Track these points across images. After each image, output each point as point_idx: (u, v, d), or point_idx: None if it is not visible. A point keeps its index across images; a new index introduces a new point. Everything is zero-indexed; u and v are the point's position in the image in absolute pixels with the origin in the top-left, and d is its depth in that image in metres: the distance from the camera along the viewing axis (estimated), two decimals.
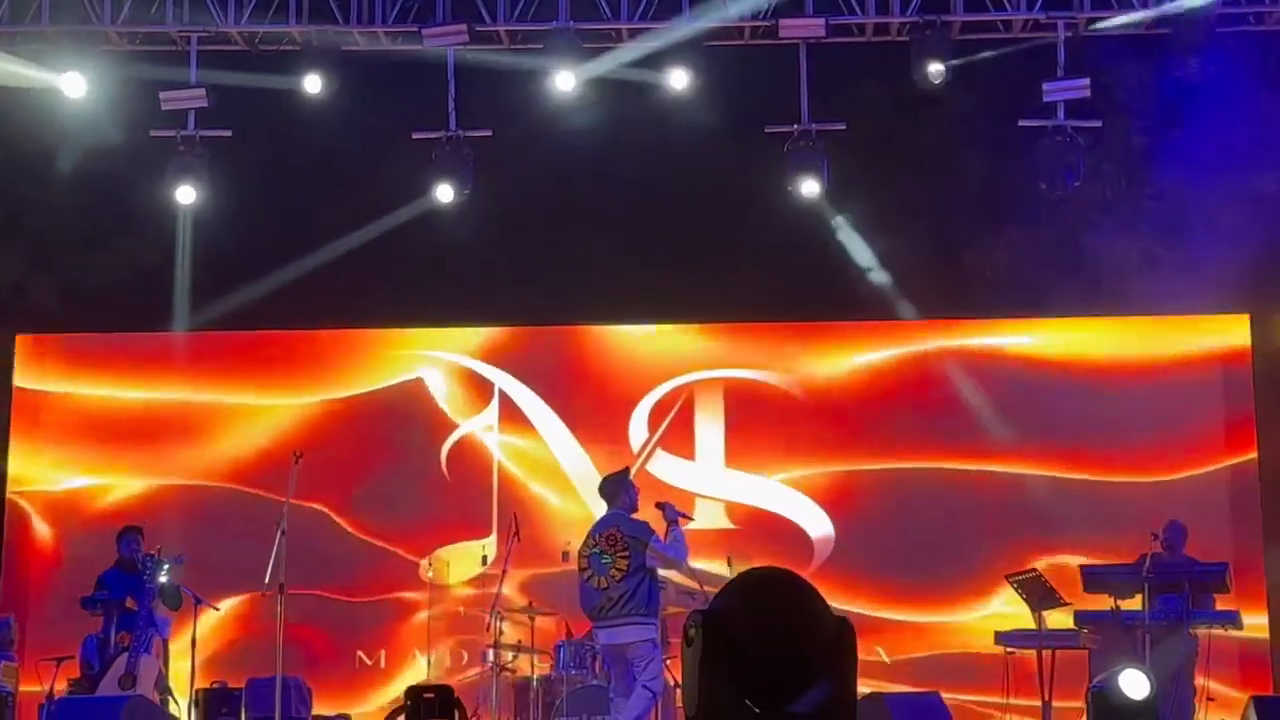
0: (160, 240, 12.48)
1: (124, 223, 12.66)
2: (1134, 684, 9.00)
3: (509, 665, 11.08)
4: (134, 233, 12.65)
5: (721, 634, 4.98)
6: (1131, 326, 12.81)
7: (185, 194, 11.43)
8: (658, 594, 9.67)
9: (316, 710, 11.29)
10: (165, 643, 10.73)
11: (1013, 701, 10.26)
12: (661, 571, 9.92)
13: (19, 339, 12.98)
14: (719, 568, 11.00)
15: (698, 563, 10.92)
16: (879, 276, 12.47)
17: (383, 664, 12.38)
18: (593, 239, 12.38)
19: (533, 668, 10.95)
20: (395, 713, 6.42)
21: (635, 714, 9.57)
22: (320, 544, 12.17)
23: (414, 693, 6.33)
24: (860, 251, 12.43)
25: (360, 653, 12.38)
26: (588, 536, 9.75)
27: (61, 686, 10.73)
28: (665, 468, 12.64)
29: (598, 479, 12.46)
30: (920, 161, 12.43)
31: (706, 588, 10.51)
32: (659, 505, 9.83)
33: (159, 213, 12.03)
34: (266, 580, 9.62)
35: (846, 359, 12.78)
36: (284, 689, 10.21)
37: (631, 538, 9.62)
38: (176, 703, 10.71)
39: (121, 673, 10.21)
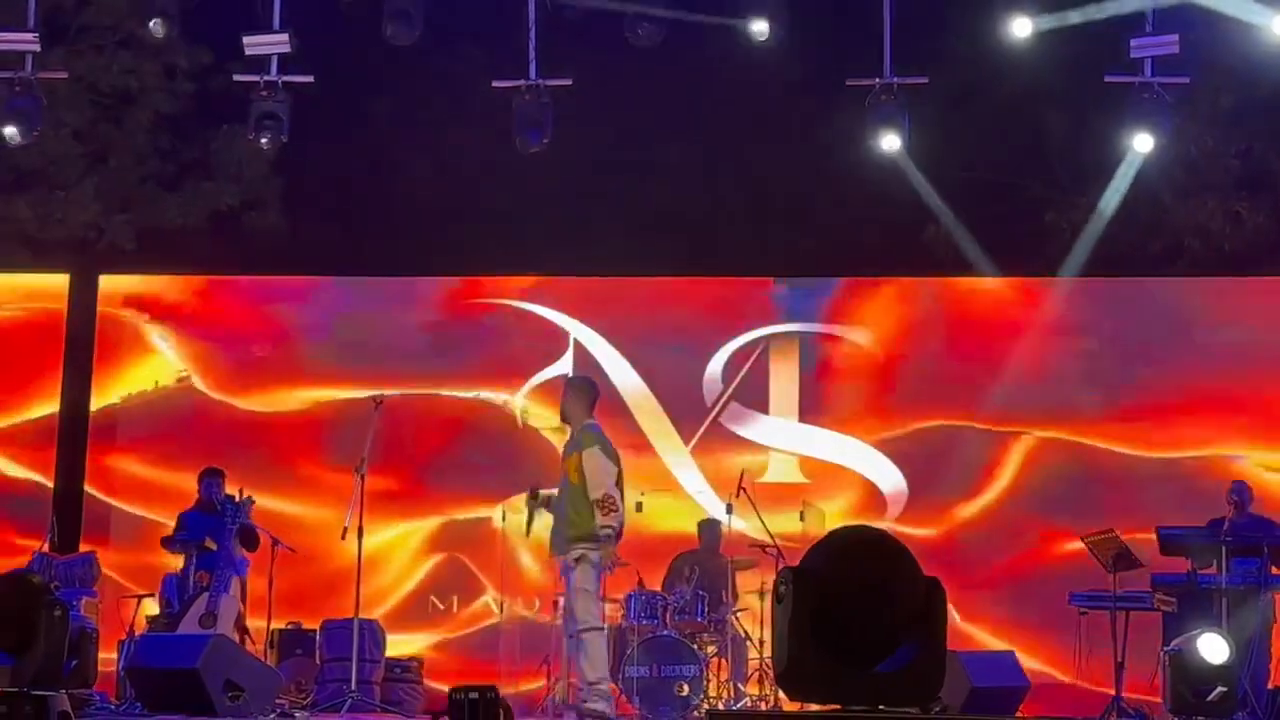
0: (241, 184, 12.59)
1: (205, 166, 12.78)
2: (1213, 648, 8.96)
3: None
4: (215, 176, 12.77)
5: (812, 592, 5.02)
6: (1214, 288, 12.67)
7: (267, 139, 11.49)
8: None
9: (389, 653, 11.45)
10: (243, 582, 10.87)
11: (1085, 663, 10.23)
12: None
13: (102, 279, 13.14)
14: (792, 522, 11.00)
15: (769, 516, 10.94)
16: (959, 233, 12.38)
17: (454, 609, 12.52)
18: (671, 190, 12.36)
19: (603, 617, 11.01)
20: (437, 715, 6.36)
21: None
22: (395, 488, 12.28)
23: (457, 694, 6.22)
24: (940, 207, 12.35)
25: (433, 598, 12.51)
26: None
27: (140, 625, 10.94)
28: (739, 421, 12.67)
29: (672, 430, 12.59)
30: (1004, 117, 12.32)
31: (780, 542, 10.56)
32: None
33: (240, 157, 12.12)
34: (346, 524, 9.75)
35: (924, 316, 12.71)
36: (358, 631, 10.37)
37: None
38: (252, 639, 10.87)
39: (202, 612, 10.38)
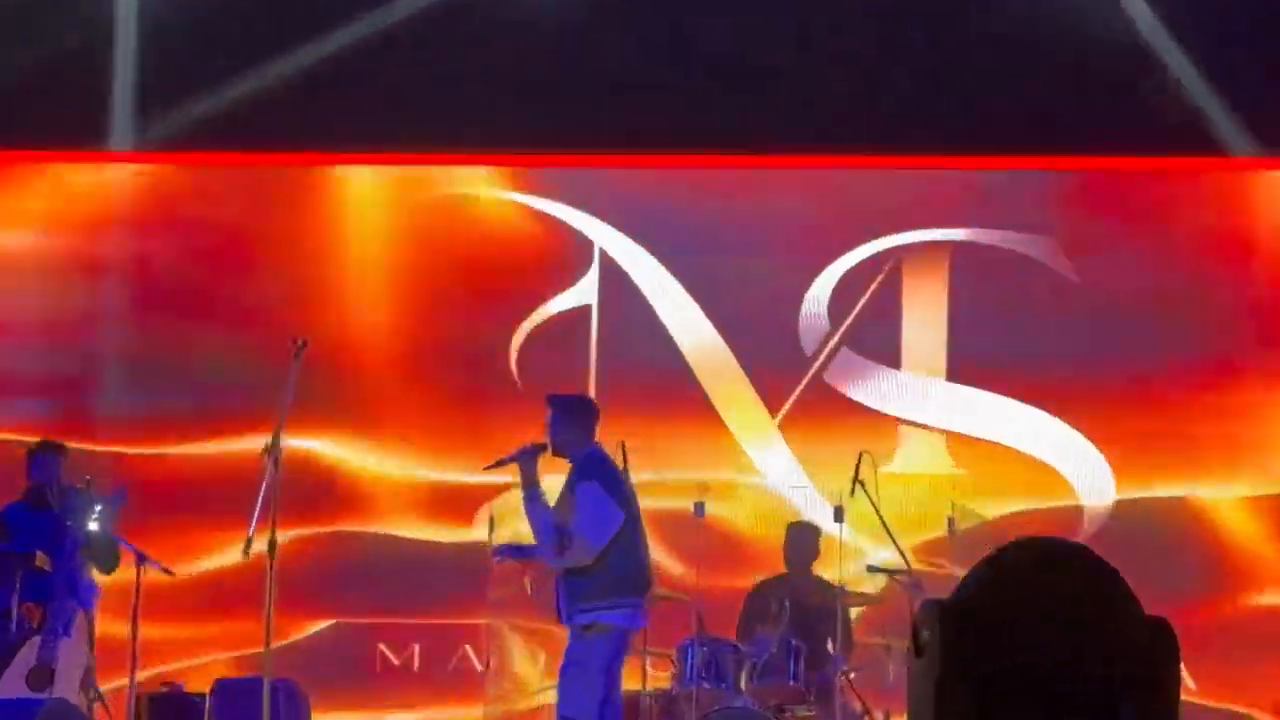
0: (91, 24, 12.66)
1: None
2: None
3: None
4: (59, 11, 12.85)
5: (971, 641, 4.90)
6: None
7: None
8: None
9: None
10: (91, 620, 10.88)
11: None
12: None
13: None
14: (937, 534, 11.00)
15: (902, 525, 10.91)
16: (1199, 90, 12.26)
17: (415, 666, 12.61)
18: (743, 33, 12.35)
19: (644, 678, 11.00)
20: None
21: None
22: (326, 481, 12.38)
23: None
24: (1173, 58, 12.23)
25: (382, 646, 12.60)
26: (626, 472, 10.24)
27: None
28: (854, 378, 12.66)
29: (752, 393, 12.53)
30: None
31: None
32: None
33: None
34: (250, 532, 9.70)
35: (1145, 216, 12.68)
36: (269, 695, 10.35)
37: None
38: (107, 708, 10.89)
39: (32, 664, 10.39)
